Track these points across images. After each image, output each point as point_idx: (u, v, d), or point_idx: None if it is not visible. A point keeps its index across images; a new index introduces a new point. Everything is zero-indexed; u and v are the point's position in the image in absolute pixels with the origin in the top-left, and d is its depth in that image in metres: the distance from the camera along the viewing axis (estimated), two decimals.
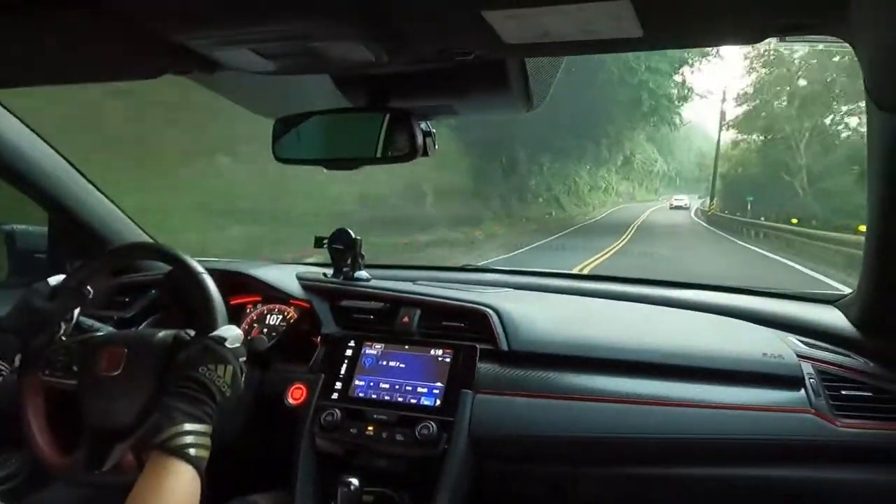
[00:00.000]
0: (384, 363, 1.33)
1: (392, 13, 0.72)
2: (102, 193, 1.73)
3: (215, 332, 1.05)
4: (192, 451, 0.88)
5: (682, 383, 1.23)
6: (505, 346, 1.31)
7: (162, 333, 1.13)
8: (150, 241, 1.81)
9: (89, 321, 1.27)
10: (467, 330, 1.38)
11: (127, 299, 1.61)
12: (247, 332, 1.56)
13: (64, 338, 1.19)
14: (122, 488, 0.85)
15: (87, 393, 1.11)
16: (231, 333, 1.05)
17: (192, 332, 1.14)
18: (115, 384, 1.08)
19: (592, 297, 1.61)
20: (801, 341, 1.34)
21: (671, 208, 43.77)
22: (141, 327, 1.48)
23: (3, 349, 1.11)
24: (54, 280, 1.18)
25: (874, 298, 1.29)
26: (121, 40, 0.82)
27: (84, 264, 1.21)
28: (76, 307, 1.20)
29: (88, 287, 1.21)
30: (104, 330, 1.26)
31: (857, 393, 1.22)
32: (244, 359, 1.06)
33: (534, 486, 1.31)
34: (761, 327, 1.41)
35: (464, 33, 0.77)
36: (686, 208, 43.40)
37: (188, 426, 0.90)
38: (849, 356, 1.29)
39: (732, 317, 1.46)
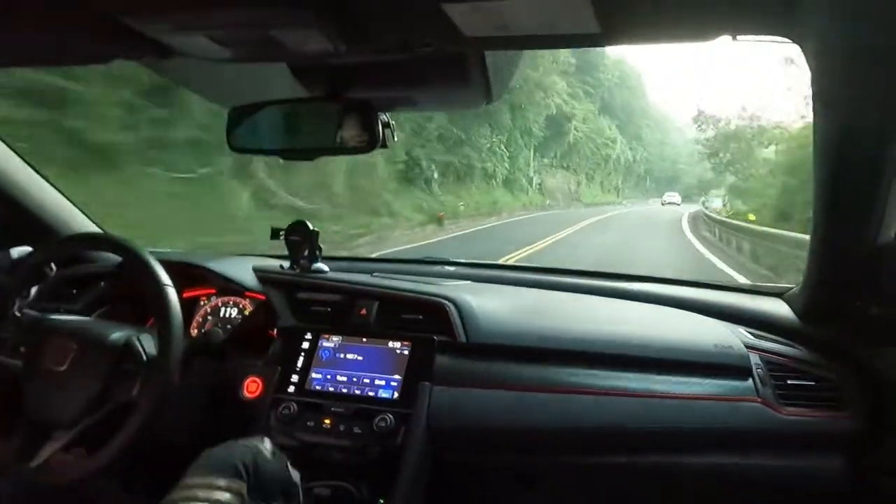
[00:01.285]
0: (341, 356, 1.32)
1: (351, 3, 0.71)
2: (49, 182, 1.67)
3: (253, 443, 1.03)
4: None
5: (637, 374, 1.26)
6: (463, 338, 1.32)
7: (115, 335, 1.10)
8: (100, 231, 1.76)
9: (34, 313, 1.23)
10: (425, 322, 1.38)
11: (74, 291, 1.56)
12: (201, 325, 1.53)
13: (18, 313, 1.14)
14: (45, 489, 0.82)
15: (29, 382, 1.07)
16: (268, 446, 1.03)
17: (145, 339, 1.11)
18: (58, 379, 1.05)
19: (550, 290, 1.63)
20: (750, 332, 1.39)
21: (663, 205, 45.70)
22: (92, 318, 1.44)
23: None
24: (17, 252, 1.13)
25: (817, 291, 1.34)
26: (69, 22, 0.79)
27: (46, 245, 1.17)
28: (35, 284, 1.16)
29: (52, 266, 1.16)
30: (52, 317, 1.22)
31: (801, 382, 1.26)
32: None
33: (496, 477, 1.32)
34: (712, 319, 1.45)
35: (423, 25, 0.76)
36: (678, 205, 44.52)
37: None
38: (793, 346, 1.34)
39: (685, 309, 1.50)
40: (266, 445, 1.04)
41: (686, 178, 66.66)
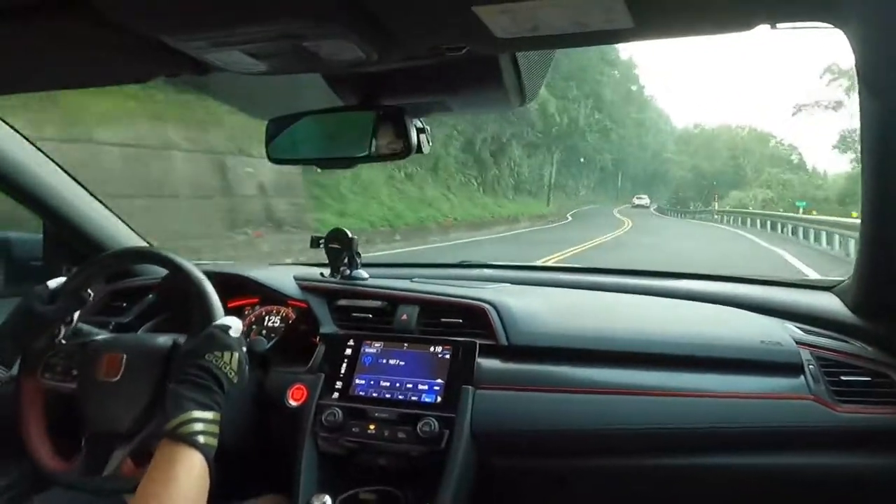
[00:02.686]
0: (384, 361, 1.33)
1: (382, 11, 0.71)
2: (97, 199, 1.73)
3: (217, 322, 1.06)
4: (201, 438, 0.88)
5: (683, 373, 1.23)
6: (504, 341, 1.31)
7: (161, 339, 1.13)
8: (146, 245, 1.81)
9: (87, 327, 1.27)
10: (466, 326, 1.38)
11: (124, 304, 1.61)
12: (246, 335, 1.56)
13: (63, 341, 1.19)
14: (120, 494, 0.86)
15: (86, 398, 1.11)
16: (234, 324, 1.06)
17: (187, 346, 1.14)
18: (114, 389, 1.08)
19: (590, 290, 1.62)
20: (799, 328, 1.35)
21: (633, 207, 46.89)
22: (139, 332, 1.48)
23: (2, 355, 1.11)
24: (54, 283, 1.18)
25: (870, 283, 1.29)
26: (110, 44, 0.82)
27: (82, 268, 1.21)
28: (76, 310, 1.20)
29: (89, 290, 1.21)
30: (103, 335, 1.26)
31: (856, 378, 1.22)
32: (246, 349, 1.06)
33: (538, 480, 1.31)
34: (759, 315, 1.41)
35: (454, 29, 0.76)
36: (646, 207, 45.83)
37: (196, 413, 0.90)
38: (847, 342, 1.29)
39: (730, 305, 1.47)
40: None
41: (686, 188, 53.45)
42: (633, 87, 62.00)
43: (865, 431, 1.17)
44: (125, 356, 1.10)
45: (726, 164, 50.01)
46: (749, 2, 0.70)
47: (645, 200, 51.11)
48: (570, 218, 29.50)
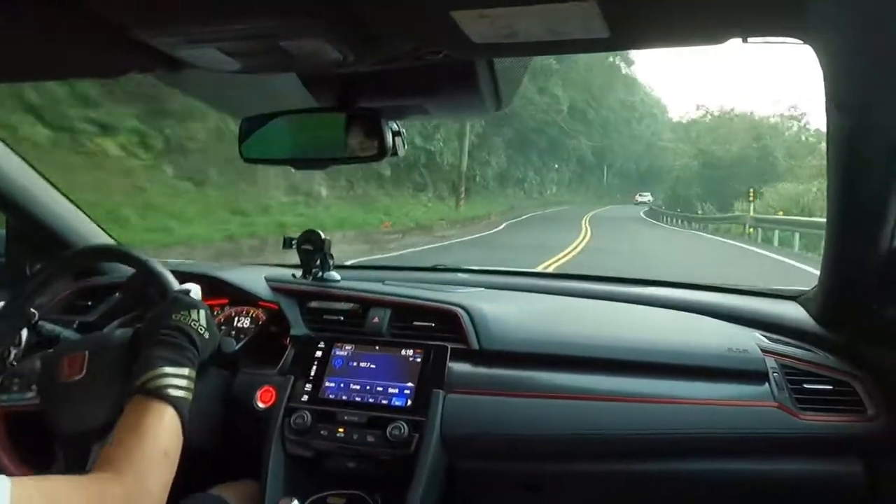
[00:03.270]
0: (354, 364, 1.32)
1: (360, 12, 0.71)
2: (63, 195, 1.69)
3: (177, 288, 1.07)
4: (171, 391, 0.88)
5: (651, 379, 1.25)
6: (476, 346, 1.32)
7: (121, 331, 1.12)
8: (112, 242, 1.77)
9: (50, 325, 1.24)
10: (438, 330, 1.38)
11: (89, 303, 1.57)
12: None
13: (15, 363, 1.16)
14: None
15: (52, 403, 1.08)
16: (193, 288, 1.07)
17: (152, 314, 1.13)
18: (80, 388, 1.06)
19: (562, 296, 1.63)
20: (765, 336, 1.37)
21: (636, 204, 40.50)
22: (104, 330, 1.45)
23: None
24: None
25: (833, 294, 1.32)
26: (82, 37, 0.80)
27: (28, 281, 1.19)
28: (21, 328, 1.18)
29: (32, 309, 1.19)
30: (65, 335, 1.23)
31: (819, 386, 1.25)
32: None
33: (508, 484, 1.32)
34: (726, 323, 1.44)
35: (432, 33, 0.76)
36: (647, 204, 39.80)
37: (168, 369, 0.90)
38: (810, 350, 1.32)
39: (699, 313, 1.49)
40: None
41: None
42: (618, 62, 48.40)
43: (826, 438, 1.20)
44: (87, 353, 1.08)
45: (748, 150, 33.59)
46: (721, 17, 0.72)
47: (647, 197, 43.72)
48: (502, 226, 19.83)
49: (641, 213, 35.55)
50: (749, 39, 0.80)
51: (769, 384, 1.24)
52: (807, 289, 1.50)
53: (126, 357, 1.07)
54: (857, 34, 0.78)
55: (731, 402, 1.22)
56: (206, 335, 1.00)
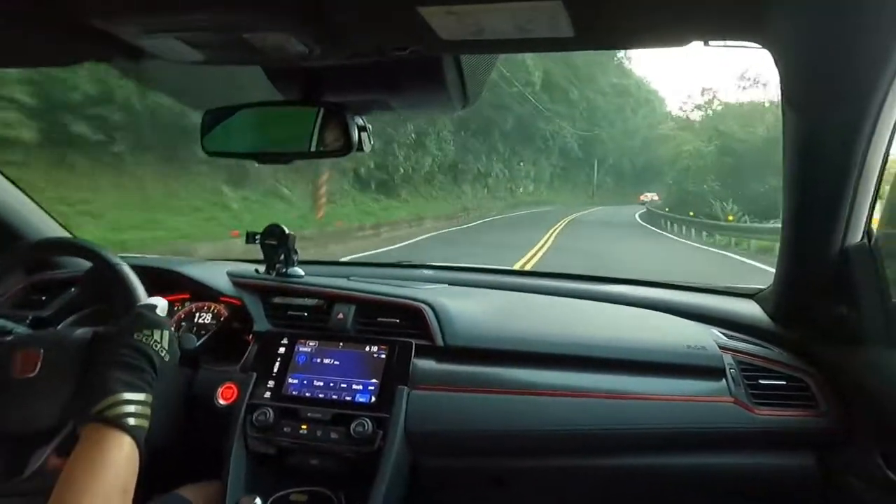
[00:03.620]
0: (318, 360, 1.31)
1: (327, 6, 0.71)
2: (17, 187, 1.64)
3: (143, 302, 1.03)
4: (131, 420, 0.84)
5: (612, 375, 1.27)
6: (440, 342, 1.32)
7: (80, 331, 1.08)
8: (69, 236, 1.72)
9: (1, 321, 1.20)
10: (403, 326, 1.38)
11: (43, 298, 1.53)
12: (175, 331, 1.51)
13: None
14: (45, 494, 0.81)
15: (2, 398, 1.05)
16: (160, 303, 1.03)
17: (113, 330, 1.09)
18: (31, 387, 1.03)
19: (527, 293, 1.64)
20: (723, 333, 1.41)
21: (641, 204, 35.79)
22: (59, 327, 1.41)
23: None
24: None
25: (788, 292, 1.36)
26: (36, 22, 0.78)
27: (13, 250, 1.14)
28: None
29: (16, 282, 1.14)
30: (18, 330, 1.19)
31: (773, 382, 1.29)
32: (174, 329, 1.03)
33: (473, 480, 1.32)
34: (686, 320, 1.47)
35: (400, 29, 0.76)
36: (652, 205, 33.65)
37: (127, 395, 0.86)
38: (765, 347, 1.36)
39: (660, 311, 1.52)
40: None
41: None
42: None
43: (780, 433, 1.24)
44: (42, 351, 1.04)
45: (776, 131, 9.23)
46: (682, 21, 0.74)
47: (653, 196, 39.73)
48: (415, 241, 13.54)
49: (636, 217, 28.14)
50: (710, 43, 0.82)
51: (726, 380, 1.27)
52: (763, 287, 1.54)
53: (82, 360, 1.04)
54: (811, 39, 0.81)
55: (690, 398, 1.25)
56: (167, 357, 0.97)
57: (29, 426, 1.03)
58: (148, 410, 0.88)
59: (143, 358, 0.92)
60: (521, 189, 33.78)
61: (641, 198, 41.21)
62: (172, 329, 1.01)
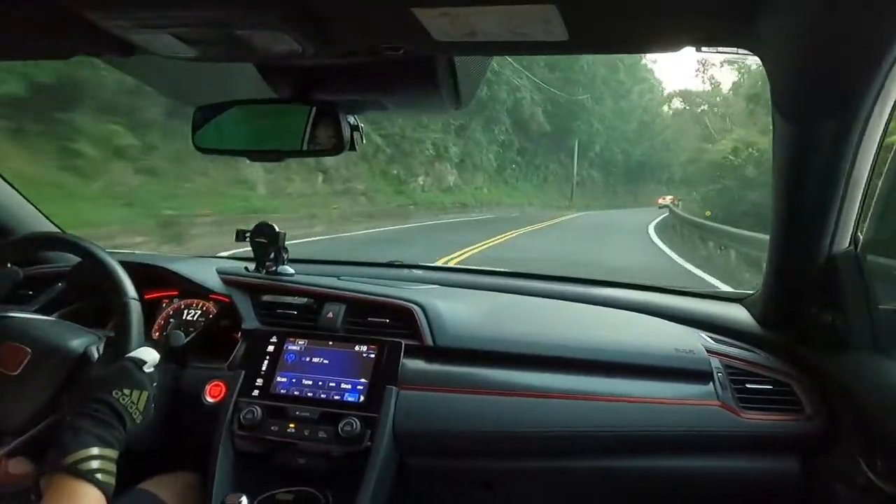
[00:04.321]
0: (307, 359, 1.31)
1: (320, 5, 0.71)
2: (6, 181, 1.62)
3: (134, 354, 1.03)
4: (99, 475, 0.85)
5: (601, 378, 1.27)
6: (430, 342, 1.32)
7: (74, 342, 1.07)
8: (57, 230, 1.71)
9: None
10: (393, 326, 1.38)
11: (31, 293, 1.52)
12: (163, 328, 1.50)
13: None
14: None
15: None
16: (150, 357, 1.03)
17: (102, 344, 1.08)
18: (8, 384, 1.02)
19: (517, 295, 1.64)
20: (711, 337, 1.42)
21: (659, 207, 30.39)
22: (52, 318, 1.40)
23: None
24: None
25: (775, 298, 1.37)
26: (29, 16, 0.77)
27: (3, 243, 1.13)
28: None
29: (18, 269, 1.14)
30: (10, 315, 1.18)
31: (760, 386, 1.30)
32: (156, 384, 1.04)
33: (460, 482, 1.32)
34: (675, 324, 1.47)
35: (393, 29, 0.76)
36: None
37: (96, 450, 0.87)
38: (753, 351, 1.37)
39: (649, 314, 1.52)
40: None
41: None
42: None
43: (766, 436, 1.25)
44: (30, 352, 1.03)
45: None
46: (675, 27, 0.74)
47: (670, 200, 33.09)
48: None
49: (650, 230, 18.45)
50: (703, 49, 0.82)
51: (713, 384, 1.28)
52: (751, 292, 1.55)
53: (68, 370, 1.03)
54: (800, 47, 0.81)
55: (677, 401, 1.25)
56: (139, 420, 0.97)
57: None
58: (114, 467, 0.89)
59: (115, 416, 0.93)
60: (449, 181, 21.24)
61: (660, 200, 34.88)
62: (153, 389, 1.02)
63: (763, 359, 1.35)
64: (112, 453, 0.89)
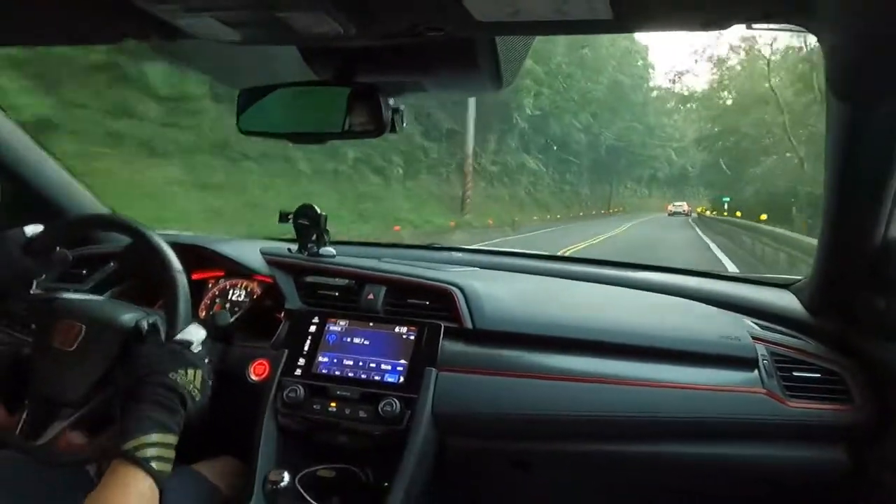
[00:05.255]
0: (348, 340, 1.33)
1: None
2: (60, 163, 1.68)
3: (181, 336, 1.05)
4: (155, 464, 0.88)
5: (643, 363, 1.26)
6: (469, 325, 1.32)
7: (125, 316, 1.11)
8: (109, 212, 1.77)
9: (48, 288, 1.24)
10: (432, 308, 1.38)
11: (84, 272, 1.57)
12: (209, 307, 1.54)
13: (30, 293, 1.16)
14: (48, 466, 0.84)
15: (37, 360, 1.08)
16: (197, 336, 1.05)
17: (153, 318, 1.12)
18: (66, 359, 1.06)
19: (557, 278, 1.63)
20: (757, 324, 1.38)
21: (669, 215, 29.86)
22: (104, 298, 1.45)
23: None
24: (30, 230, 1.15)
25: (826, 284, 1.33)
26: (81, 3, 0.79)
27: (54, 225, 1.18)
28: (48, 265, 1.19)
29: (66, 252, 1.18)
30: (65, 295, 1.23)
31: (808, 374, 1.26)
32: (208, 360, 1.07)
33: (497, 462, 1.33)
34: (719, 310, 1.44)
35: (435, 9, 0.76)
36: (686, 214, 30.82)
37: (156, 437, 0.90)
38: (800, 339, 1.33)
39: (692, 299, 1.50)
40: None
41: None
42: None
43: (813, 426, 1.22)
44: (84, 328, 1.07)
45: None
46: (726, 2, 0.71)
47: (683, 207, 34.04)
48: None
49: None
50: (754, 26, 0.79)
51: (759, 371, 1.25)
52: (800, 278, 1.51)
53: (121, 343, 1.07)
54: (862, 24, 0.77)
55: (721, 388, 1.23)
56: (198, 398, 1.00)
57: (54, 394, 1.06)
58: (172, 453, 0.92)
59: (177, 398, 0.96)
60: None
61: (669, 207, 33.10)
62: (206, 367, 1.04)
63: (811, 346, 1.31)
64: (172, 439, 0.92)
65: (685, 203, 32.82)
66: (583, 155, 33.34)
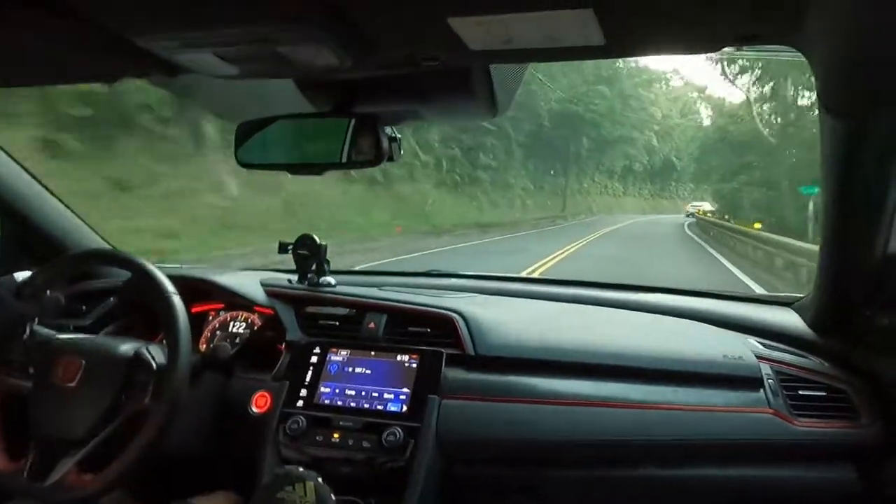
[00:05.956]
0: (350, 369, 1.32)
1: (358, 18, 0.71)
2: (58, 199, 1.68)
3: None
4: None
5: (646, 385, 1.25)
6: (471, 351, 1.32)
7: (123, 347, 1.11)
8: (109, 247, 1.77)
9: (45, 330, 1.23)
10: (434, 335, 1.38)
11: (83, 307, 1.57)
12: (209, 340, 1.54)
13: (24, 337, 1.16)
14: None
15: (40, 401, 1.08)
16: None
17: (153, 349, 1.11)
18: (69, 395, 1.06)
19: (557, 301, 1.63)
20: (760, 343, 1.38)
21: (687, 215, 28.34)
22: (101, 334, 1.45)
23: None
24: (20, 276, 1.15)
25: (828, 301, 1.33)
26: (81, 43, 0.80)
27: (47, 267, 1.18)
28: (41, 306, 1.18)
29: (57, 286, 1.18)
30: (60, 336, 1.23)
31: (813, 393, 1.25)
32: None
33: (505, 490, 1.31)
34: (722, 329, 1.44)
35: (429, 39, 0.77)
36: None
37: None
38: (805, 357, 1.33)
39: (694, 320, 1.49)
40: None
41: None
42: None
43: (821, 445, 1.21)
44: (84, 362, 1.07)
45: None
46: (716, 25, 0.73)
47: (704, 206, 30.00)
48: None
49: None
50: (745, 47, 0.80)
51: (764, 391, 1.24)
52: (801, 295, 1.50)
53: (122, 375, 1.06)
54: (851, 44, 0.79)
55: (726, 409, 1.22)
56: None
57: (61, 433, 1.06)
58: None
59: None
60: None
61: (688, 207, 30.71)
62: (317, 476, 1.03)
63: (816, 364, 1.30)
64: None
65: (706, 203, 28.94)
66: (511, 127, 23.10)
